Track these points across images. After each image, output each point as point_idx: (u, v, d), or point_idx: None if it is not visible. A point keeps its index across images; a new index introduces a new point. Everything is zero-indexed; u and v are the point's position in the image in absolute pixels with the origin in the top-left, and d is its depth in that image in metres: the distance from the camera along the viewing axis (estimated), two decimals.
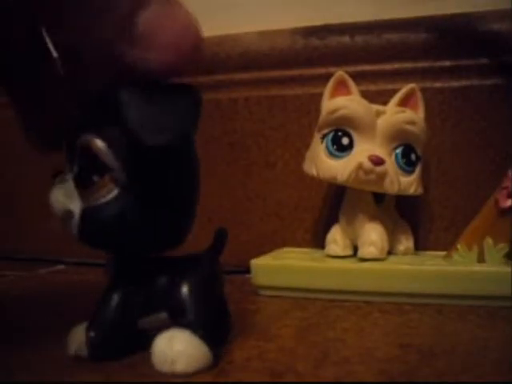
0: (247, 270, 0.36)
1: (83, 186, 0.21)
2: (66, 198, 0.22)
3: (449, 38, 0.40)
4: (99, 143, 0.21)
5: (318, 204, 0.42)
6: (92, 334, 0.23)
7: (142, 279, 0.23)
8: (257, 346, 0.25)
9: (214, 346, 0.22)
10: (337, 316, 0.30)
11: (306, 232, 0.43)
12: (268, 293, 0.35)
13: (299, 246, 0.42)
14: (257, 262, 0.36)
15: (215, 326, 0.23)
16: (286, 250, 0.41)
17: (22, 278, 0.43)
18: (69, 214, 0.21)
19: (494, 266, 0.32)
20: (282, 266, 0.35)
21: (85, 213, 0.21)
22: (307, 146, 0.38)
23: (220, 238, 0.26)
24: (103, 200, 0.21)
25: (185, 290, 0.23)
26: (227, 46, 0.43)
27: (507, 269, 0.31)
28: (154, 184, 0.22)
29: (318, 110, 0.37)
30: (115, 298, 0.23)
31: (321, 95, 0.37)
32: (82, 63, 0.21)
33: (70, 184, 0.22)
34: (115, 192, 0.21)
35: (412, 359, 0.23)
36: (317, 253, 0.39)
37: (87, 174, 0.21)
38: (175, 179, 0.22)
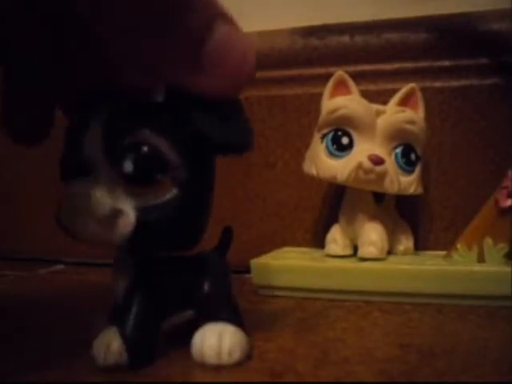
0: (247, 270, 0.36)
1: (139, 184, 0.21)
2: (110, 197, 0.21)
3: (448, 37, 0.40)
4: (164, 141, 0.20)
5: (318, 204, 0.42)
6: (131, 340, 0.22)
7: (163, 279, 0.24)
8: (256, 345, 0.25)
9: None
10: (337, 316, 0.30)
11: (306, 232, 0.43)
12: (268, 292, 0.35)
13: (299, 245, 0.42)
14: (257, 262, 0.36)
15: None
16: (285, 249, 0.41)
17: (22, 278, 0.43)
18: (117, 213, 0.20)
19: (493, 266, 0.32)
20: (281, 266, 0.35)
21: (142, 212, 0.21)
22: (307, 145, 0.38)
23: (226, 236, 0.27)
24: (163, 199, 0.21)
25: (213, 286, 0.24)
26: None
27: (507, 269, 0.31)
28: (204, 184, 0.22)
29: (317, 110, 0.37)
30: (143, 301, 0.23)
31: (321, 95, 0.37)
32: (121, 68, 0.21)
33: (108, 182, 0.21)
34: (175, 191, 0.21)
35: (412, 359, 0.23)
36: (317, 252, 0.39)
37: (146, 172, 0.21)
38: (212, 180, 0.23)
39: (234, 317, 0.24)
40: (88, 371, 0.22)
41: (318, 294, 0.34)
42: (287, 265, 0.36)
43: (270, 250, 0.40)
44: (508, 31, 0.38)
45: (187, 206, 0.21)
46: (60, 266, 0.48)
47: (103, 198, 0.20)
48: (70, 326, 0.29)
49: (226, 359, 0.22)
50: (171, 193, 0.21)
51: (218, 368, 0.22)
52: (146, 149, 0.20)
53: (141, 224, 0.21)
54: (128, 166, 0.20)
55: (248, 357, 0.23)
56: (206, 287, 0.24)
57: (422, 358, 0.24)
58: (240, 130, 0.21)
